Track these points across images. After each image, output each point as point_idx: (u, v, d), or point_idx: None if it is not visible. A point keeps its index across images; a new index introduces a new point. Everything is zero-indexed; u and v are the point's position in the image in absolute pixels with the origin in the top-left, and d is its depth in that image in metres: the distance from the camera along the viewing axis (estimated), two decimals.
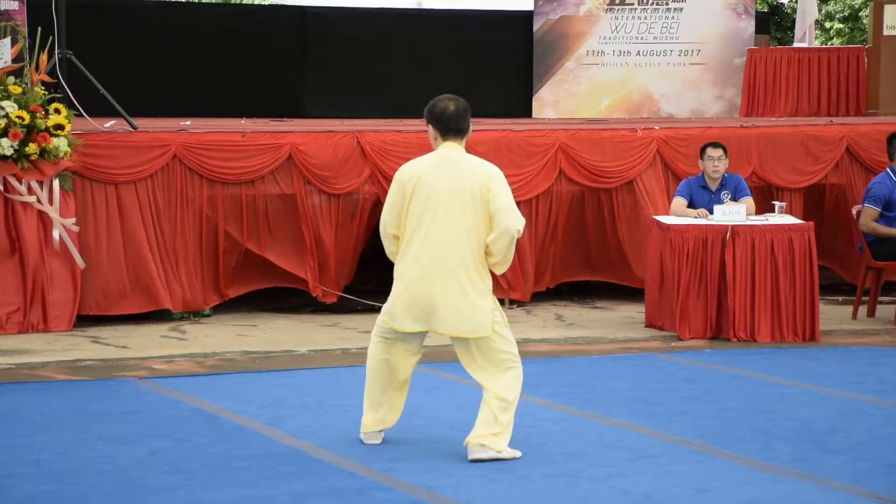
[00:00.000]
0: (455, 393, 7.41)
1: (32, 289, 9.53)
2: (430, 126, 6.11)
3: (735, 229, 9.27)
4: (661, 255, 9.51)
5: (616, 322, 10.20)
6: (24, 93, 9.63)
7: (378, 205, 9.93)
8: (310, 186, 10.38)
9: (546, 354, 8.82)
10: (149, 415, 6.92)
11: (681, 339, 9.26)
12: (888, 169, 10.28)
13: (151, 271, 9.90)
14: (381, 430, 6.28)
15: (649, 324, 9.83)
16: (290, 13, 18.52)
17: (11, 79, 9.66)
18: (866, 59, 15.51)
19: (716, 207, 9.63)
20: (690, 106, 16.76)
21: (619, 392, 7.59)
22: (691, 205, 9.98)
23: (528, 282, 10.88)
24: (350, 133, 10.60)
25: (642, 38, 16.75)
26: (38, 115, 9.53)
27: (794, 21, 20.32)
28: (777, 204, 9.99)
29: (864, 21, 30.36)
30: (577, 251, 11.29)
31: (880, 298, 10.46)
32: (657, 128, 11.49)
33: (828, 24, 32.29)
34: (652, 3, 16.71)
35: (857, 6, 31.63)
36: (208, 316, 10.30)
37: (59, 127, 9.57)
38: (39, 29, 9.75)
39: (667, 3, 16.69)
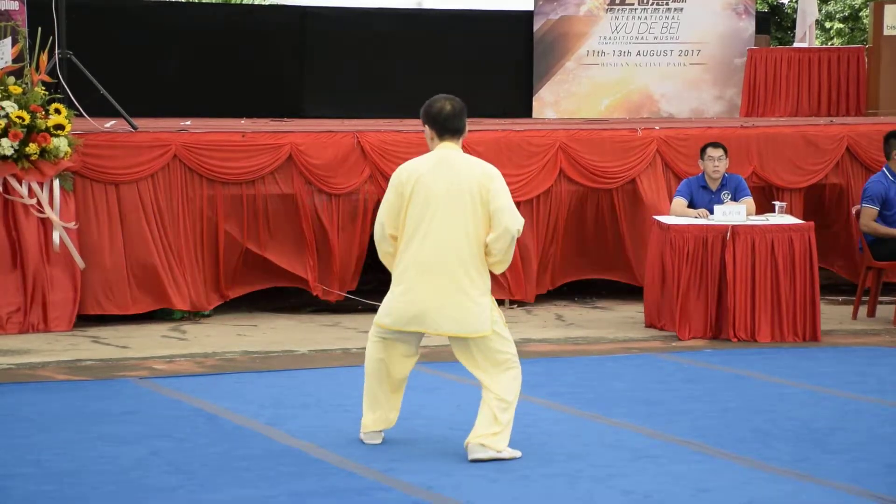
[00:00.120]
0: (455, 393, 7.41)
1: (33, 289, 9.53)
2: (426, 126, 6.11)
3: (735, 229, 9.27)
4: (662, 255, 9.51)
5: (616, 322, 10.20)
6: (24, 93, 9.63)
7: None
8: (310, 186, 10.38)
9: (546, 354, 8.82)
10: (149, 415, 6.92)
11: (681, 339, 9.26)
12: (884, 168, 10.30)
13: (158, 270, 9.91)
14: (381, 430, 6.28)
15: (649, 324, 9.83)
16: (290, 13, 18.52)
17: (12, 79, 9.66)
18: (866, 59, 15.51)
19: (716, 207, 9.63)
20: (691, 106, 16.75)
21: (619, 392, 7.59)
22: (692, 205, 9.99)
23: (531, 282, 10.88)
24: (350, 133, 10.60)
25: (642, 38, 16.74)
26: (38, 115, 9.53)
27: (794, 21, 20.35)
28: (777, 204, 9.99)
29: (865, 21, 30.37)
30: (578, 251, 11.28)
31: (880, 298, 10.46)
32: (657, 128, 11.49)
33: (828, 24, 32.29)
34: (652, 3, 16.71)
35: (857, 6, 31.64)
36: (209, 316, 10.30)
37: (60, 127, 9.57)
38: (40, 29, 9.75)
39: (667, 3, 16.69)
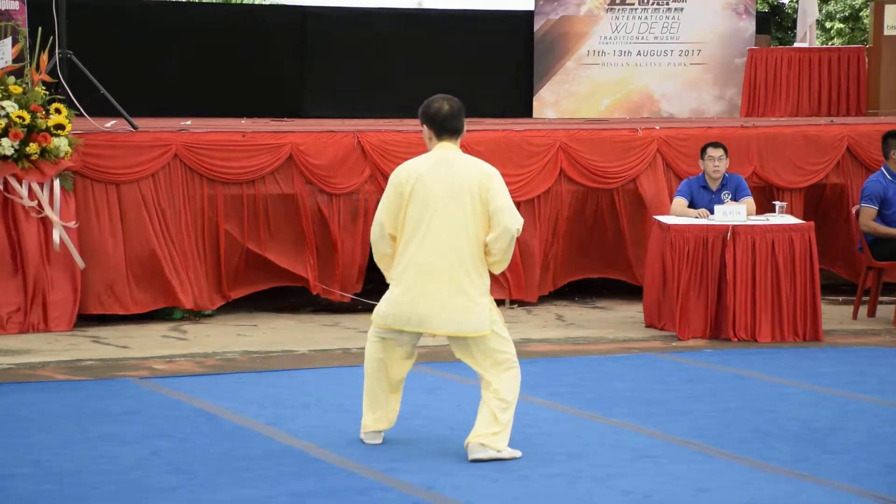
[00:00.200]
0: (455, 393, 7.41)
1: (33, 289, 9.53)
2: (424, 126, 6.11)
3: (735, 229, 9.27)
4: (662, 255, 9.50)
5: (616, 322, 10.20)
6: (24, 93, 9.63)
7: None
8: (310, 186, 10.38)
9: (546, 354, 8.82)
10: (149, 415, 6.91)
11: (681, 339, 9.25)
12: (883, 168, 10.30)
13: (163, 269, 9.91)
14: (381, 430, 6.28)
15: (649, 324, 9.83)
16: (290, 13, 18.54)
17: (12, 79, 9.66)
18: (867, 59, 15.51)
19: (716, 207, 9.63)
20: (691, 106, 16.76)
21: (619, 392, 7.59)
22: (692, 205, 9.98)
23: (534, 283, 10.87)
24: (350, 133, 10.60)
25: (643, 38, 16.75)
26: (38, 114, 9.53)
27: (794, 21, 20.36)
28: (777, 204, 9.99)
29: (865, 21, 30.37)
30: (579, 251, 11.28)
31: (880, 298, 10.46)
32: (658, 128, 11.49)
33: (828, 24, 32.29)
34: (652, 3, 16.71)
35: (857, 6, 31.64)
36: (209, 316, 10.30)
37: (60, 127, 9.57)
38: (40, 29, 9.75)
39: (667, 3, 16.69)
